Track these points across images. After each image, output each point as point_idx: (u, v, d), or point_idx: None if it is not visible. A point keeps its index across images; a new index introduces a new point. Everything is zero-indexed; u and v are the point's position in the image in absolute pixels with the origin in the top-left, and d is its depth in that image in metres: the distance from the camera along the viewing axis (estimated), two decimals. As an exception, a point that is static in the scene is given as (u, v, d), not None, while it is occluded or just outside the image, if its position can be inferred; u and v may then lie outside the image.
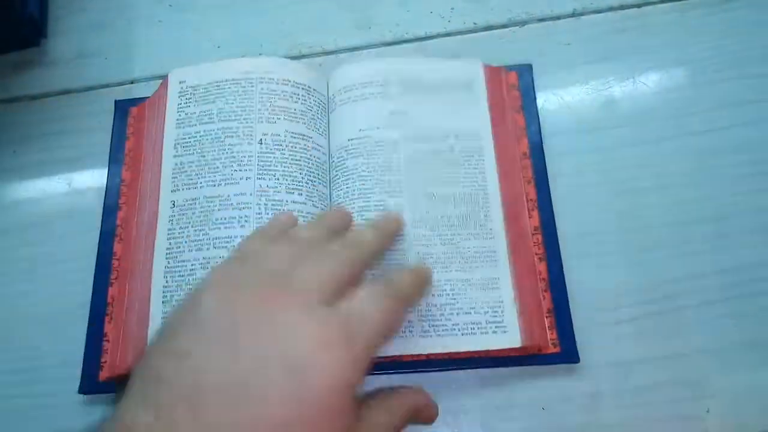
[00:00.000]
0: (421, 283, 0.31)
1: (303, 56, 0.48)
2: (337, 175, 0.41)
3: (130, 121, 0.45)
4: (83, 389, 0.38)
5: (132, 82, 0.48)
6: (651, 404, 0.36)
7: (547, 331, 0.37)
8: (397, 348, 0.36)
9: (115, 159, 0.44)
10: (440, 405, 0.36)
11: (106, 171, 0.44)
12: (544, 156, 0.42)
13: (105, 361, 0.38)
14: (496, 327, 0.36)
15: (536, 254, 0.39)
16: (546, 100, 0.44)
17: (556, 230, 0.40)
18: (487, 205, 0.39)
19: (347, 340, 0.24)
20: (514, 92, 0.43)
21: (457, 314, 0.36)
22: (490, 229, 0.38)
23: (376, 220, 0.34)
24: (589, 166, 0.42)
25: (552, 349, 0.37)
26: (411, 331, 0.36)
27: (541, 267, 0.39)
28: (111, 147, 0.44)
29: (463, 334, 0.36)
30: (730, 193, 0.40)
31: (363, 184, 0.39)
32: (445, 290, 0.37)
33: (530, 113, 0.43)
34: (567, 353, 0.37)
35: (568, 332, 0.37)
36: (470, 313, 0.36)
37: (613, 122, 0.43)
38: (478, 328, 0.36)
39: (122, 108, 0.45)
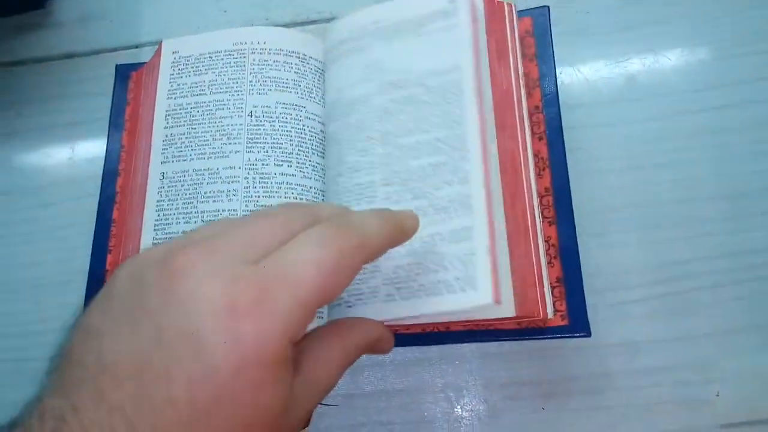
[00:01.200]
0: (393, 227, 0.25)
1: (311, 22, 0.46)
2: (327, 143, 0.39)
3: (130, 86, 0.44)
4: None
5: (137, 47, 0.47)
6: (660, 386, 0.35)
7: (548, 301, 0.33)
8: (357, 313, 0.33)
9: (115, 124, 0.43)
10: (443, 380, 0.36)
11: (107, 136, 0.43)
12: (559, 110, 0.38)
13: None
14: (464, 284, 0.31)
15: (546, 217, 0.36)
16: (562, 71, 0.42)
17: (570, 192, 0.36)
18: (465, 146, 0.34)
19: (261, 304, 0.20)
20: (529, 39, 0.40)
21: (424, 273, 0.32)
22: (466, 172, 0.33)
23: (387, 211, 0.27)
24: (604, 139, 0.40)
25: (560, 322, 0.34)
26: (375, 297, 0.33)
27: (551, 231, 0.36)
28: (111, 112, 0.43)
29: (427, 295, 0.32)
30: (747, 172, 0.38)
31: (339, 148, 0.37)
32: (414, 248, 0.33)
33: (545, 63, 0.39)
34: (577, 325, 0.34)
35: (579, 304, 0.34)
36: (438, 270, 0.32)
37: (630, 95, 0.41)
38: (445, 287, 0.32)
39: (123, 72, 0.44)
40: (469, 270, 0.32)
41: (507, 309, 0.32)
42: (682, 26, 0.42)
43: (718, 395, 0.34)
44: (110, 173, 0.42)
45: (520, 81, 0.37)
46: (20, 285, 0.41)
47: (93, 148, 0.44)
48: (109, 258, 0.39)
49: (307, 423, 0.34)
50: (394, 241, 0.26)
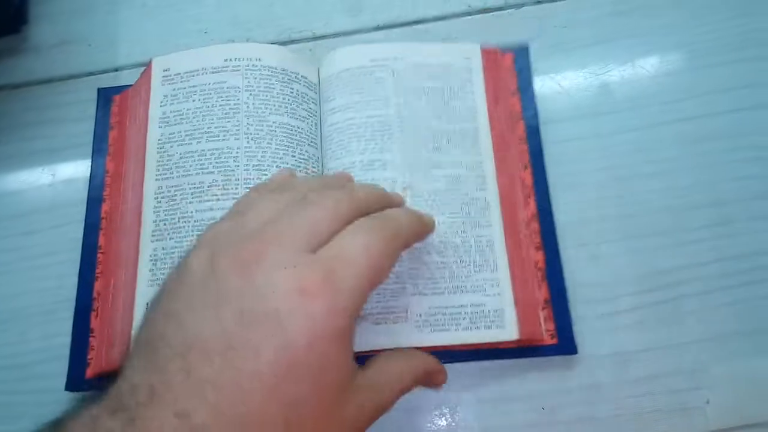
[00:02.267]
0: (418, 223, 0.30)
1: (292, 41, 0.46)
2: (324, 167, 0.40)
3: (113, 110, 0.43)
4: (70, 387, 0.37)
5: (116, 70, 0.47)
6: (651, 395, 0.35)
7: (543, 322, 0.36)
8: (392, 340, 0.35)
9: (98, 149, 0.42)
10: (436, 396, 0.36)
11: (89, 162, 0.43)
12: (540, 141, 0.40)
13: (92, 358, 0.37)
14: (490, 322, 0.35)
15: (533, 243, 0.38)
16: (542, 85, 0.43)
17: (553, 218, 0.39)
18: (485, 190, 0.38)
19: (327, 285, 0.24)
20: (510, 75, 0.42)
21: (452, 317, 0.35)
22: (488, 219, 0.37)
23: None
24: (586, 152, 0.41)
25: (549, 341, 0.36)
26: (405, 321, 0.35)
27: (538, 256, 0.38)
28: (94, 137, 0.43)
29: (456, 330, 0.35)
30: (730, 179, 0.39)
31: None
32: (437, 287, 0.36)
33: (527, 97, 0.41)
34: (565, 345, 0.36)
35: (566, 323, 0.36)
36: (465, 318, 0.35)
37: (610, 107, 0.42)
38: (473, 324, 0.35)
39: (105, 96, 0.44)
40: (497, 314, 0.35)
41: (513, 333, 0.35)
42: (659, 37, 0.44)
43: (708, 402, 0.35)
44: (95, 200, 0.41)
45: (512, 120, 0.40)
46: (3, 316, 0.40)
47: (74, 174, 0.43)
48: (97, 285, 0.38)
49: None
50: (420, 235, 0.31)
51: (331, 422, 0.24)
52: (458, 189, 0.38)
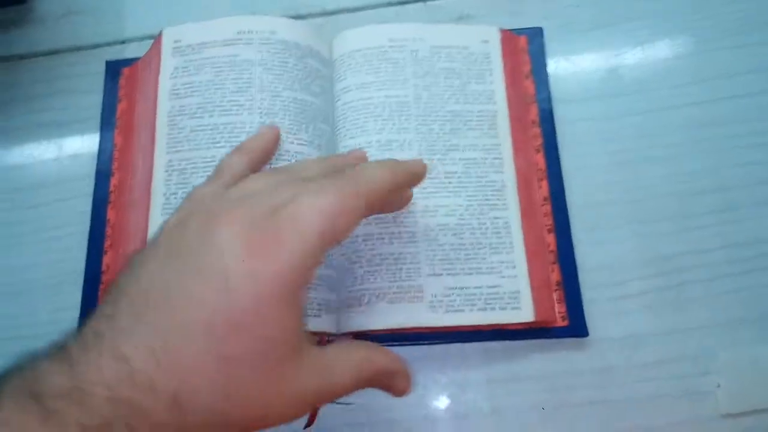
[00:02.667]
0: (392, 175, 0.28)
1: (300, 17, 0.46)
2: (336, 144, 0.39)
3: (121, 83, 0.43)
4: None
5: (123, 42, 0.46)
6: (660, 379, 0.35)
7: (556, 304, 0.36)
8: (407, 319, 0.35)
9: (107, 123, 0.42)
10: (445, 376, 0.36)
11: (97, 135, 0.42)
12: (554, 125, 0.40)
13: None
14: (506, 304, 0.35)
15: (545, 225, 0.38)
16: (552, 66, 0.42)
17: (566, 201, 0.38)
18: (502, 173, 0.38)
19: (273, 246, 0.24)
20: (524, 57, 0.42)
21: (467, 298, 0.35)
22: (505, 201, 0.37)
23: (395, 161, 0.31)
24: (596, 135, 0.40)
25: (560, 323, 0.36)
26: (420, 301, 0.35)
27: (550, 239, 0.37)
28: (102, 110, 0.42)
29: (471, 310, 0.35)
30: (737, 164, 0.39)
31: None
32: (453, 268, 0.36)
33: (540, 79, 0.41)
34: (576, 327, 0.36)
35: (577, 306, 0.36)
36: (481, 299, 0.35)
37: (619, 90, 0.42)
38: (488, 305, 0.35)
39: (113, 69, 0.43)
40: (514, 295, 0.35)
41: (529, 315, 0.35)
42: (669, 20, 0.43)
43: (718, 386, 0.35)
44: (103, 173, 0.41)
45: (525, 102, 0.40)
46: (11, 288, 0.40)
47: (81, 148, 0.43)
48: (105, 259, 0.38)
49: (311, 421, 0.34)
50: (399, 185, 0.29)
51: (269, 387, 0.24)
52: (475, 171, 0.38)
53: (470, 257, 0.36)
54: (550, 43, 0.43)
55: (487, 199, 0.37)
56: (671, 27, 0.43)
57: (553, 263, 0.37)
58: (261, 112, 0.38)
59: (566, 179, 0.39)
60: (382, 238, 0.36)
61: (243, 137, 0.37)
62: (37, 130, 0.44)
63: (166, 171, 0.38)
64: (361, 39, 0.41)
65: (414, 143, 0.38)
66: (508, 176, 0.38)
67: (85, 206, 0.40)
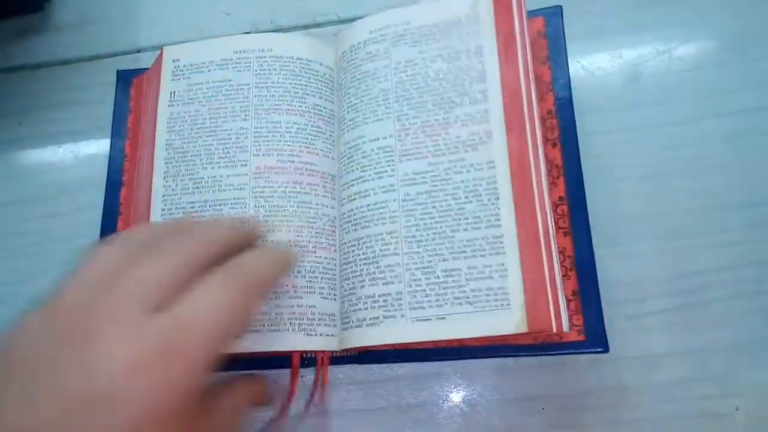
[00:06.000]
0: (278, 265, 0.28)
1: (317, 25, 0.45)
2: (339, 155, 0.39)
3: (132, 93, 0.43)
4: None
5: (138, 51, 0.46)
6: (678, 400, 0.34)
7: (563, 315, 0.31)
8: (388, 336, 0.33)
9: (117, 133, 0.42)
10: (458, 395, 0.36)
11: (109, 145, 0.42)
12: (573, 115, 0.37)
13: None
14: (493, 303, 0.32)
15: (560, 228, 0.35)
16: (574, 75, 0.41)
17: (585, 202, 0.36)
18: (493, 168, 0.34)
19: (169, 355, 0.21)
20: (540, 41, 0.38)
21: (457, 296, 0.33)
22: (497, 197, 0.34)
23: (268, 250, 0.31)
24: (618, 145, 0.39)
25: (576, 337, 0.34)
26: (402, 317, 0.33)
27: (566, 242, 0.35)
28: (113, 120, 0.42)
29: (459, 320, 0.32)
30: (766, 179, 0.38)
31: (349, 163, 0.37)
32: (435, 274, 0.34)
33: (559, 65, 0.38)
34: (594, 341, 0.33)
35: (596, 318, 0.33)
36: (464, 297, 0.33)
37: (644, 99, 0.40)
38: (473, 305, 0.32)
39: (125, 78, 0.43)
40: (502, 293, 0.32)
41: (519, 324, 0.31)
42: (696, 28, 0.41)
43: (737, 409, 0.34)
44: (114, 184, 0.41)
45: (531, 80, 0.35)
46: (26, 299, 0.40)
47: (96, 157, 0.43)
48: (115, 271, 0.38)
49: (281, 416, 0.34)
50: (281, 277, 0.29)
51: None
52: (463, 168, 0.35)
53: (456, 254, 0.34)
54: (573, 51, 0.39)
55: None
56: (700, 35, 0.41)
57: (570, 269, 0.35)
58: (257, 138, 0.38)
59: (588, 189, 0.36)
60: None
61: (238, 155, 0.37)
62: (53, 139, 0.45)
63: (163, 194, 0.37)
64: (352, 36, 0.40)
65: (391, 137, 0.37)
66: (501, 171, 0.34)
67: (97, 216, 0.40)
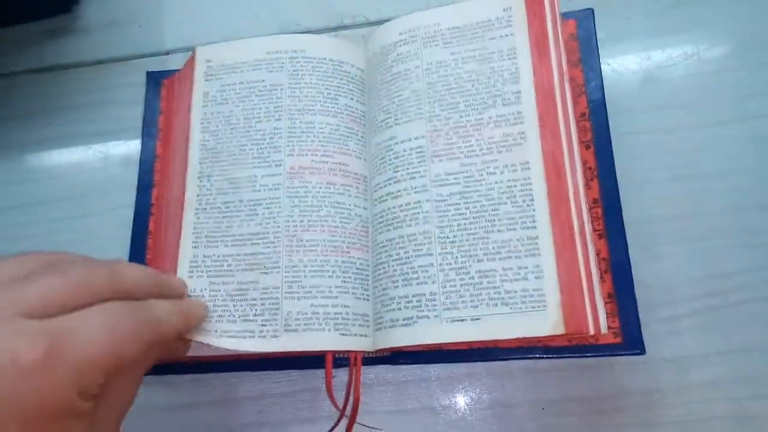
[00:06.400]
0: (180, 321, 0.28)
1: (344, 27, 0.45)
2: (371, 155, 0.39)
3: (162, 94, 0.43)
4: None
5: (167, 53, 0.47)
6: (712, 401, 0.34)
7: (598, 318, 0.31)
8: (421, 336, 0.33)
9: (148, 133, 0.42)
10: (490, 397, 0.36)
11: (140, 145, 0.42)
12: (606, 117, 0.37)
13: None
14: (532, 308, 0.32)
15: (595, 230, 0.35)
16: (605, 78, 0.41)
17: (620, 204, 0.35)
18: (528, 169, 0.34)
19: (49, 359, 0.21)
20: (572, 43, 0.38)
21: (493, 298, 0.33)
22: (532, 200, 0.34)
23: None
24: (649, 147, 0.39)
25: (612, 339, 0.34)
26: (437, 317, 0.33)
27: (601, 245, 0.35)
28: (144, 121, 0.43)
29: (496, 323, 0.32)
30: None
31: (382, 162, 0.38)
32: (469, 275, 0.33)
33: (591, 67, 0.38)
34: (631, 343, 0.33)
35: (632, 320, 0.33)
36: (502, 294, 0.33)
37: (674, 102, 0.40)
38: (516, 312, 0.32)
39: (155, 80, 0.44)
40: (538, 294, 0.32)
41: (555, 326, 0.31)
42: (726, 30, 0.41)
43: (773, 411, 0.34)
44: (145, 185, 0.41)
45: (565, 80, 0.35)
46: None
47: (126, 158, 0.43)
48: (147, 271, 0.38)
49: None
50: (183, 329, 0.29)
51: None
52: (496, 169, 0.35)
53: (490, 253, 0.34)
54: (603, 54, 0.39)
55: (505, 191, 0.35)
56: (730, 37, 0.41)
57: (605, 272, 0.35)
58: (291, 138, 0.38)
59: (620, 191, 0.36)
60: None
61: (272, 155, 0.37)
62: (84, 140, 0.45)
63: (197, 193, 0.38)
64: (381, 37, 0.40)
65: (440, 135, 0.37)
66: (536, 172, 0.34)
67: (130, 215, 0.40)
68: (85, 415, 0.22)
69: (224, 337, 0.34)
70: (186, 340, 0.33)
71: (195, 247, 0.36)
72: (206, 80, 0.40)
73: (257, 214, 0.36)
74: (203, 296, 0.35)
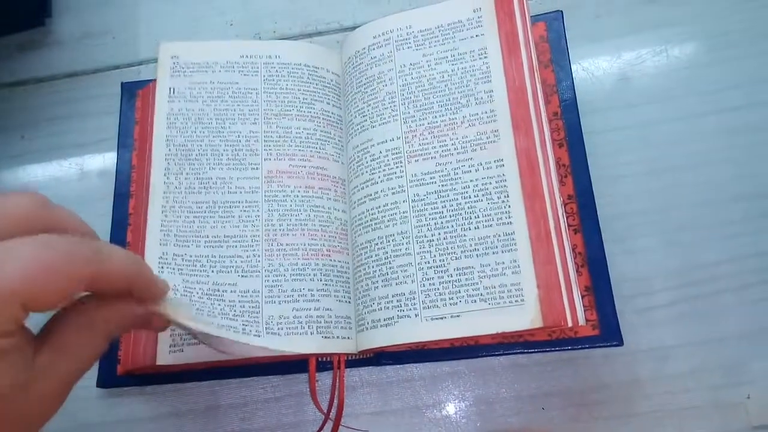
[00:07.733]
0: (133, 267, 0.23)
1: (319, 33, 0.46)
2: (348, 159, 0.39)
3: (137, 105, 0.43)
4: (101, 383, 0.37)
5: (140, 63, 0.47)
6: (690, 391, 0.35)
7: (575, 310, 0.32)
8: (403, 336, 0.34)
9: (123, 144, 0.42)
10: (473, 393, 0.36)
11: (116, 156, 0.42)
12: (578, 115, 0.38)
13: (121, 356, 0.37)
14: (507, 299, 0.33)
15: (570, 225, 0.36)
16: (575, 76, 0.42)
17: (594, 199, 0.36)
18: (502, 167, 0.35)
19: None
20: (543, 45, 0.39)
21: (472, 295, 0.33)
22: (507, 196, 0.34)
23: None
24: (622, 143, 0.40)
25: (590, 332, 0.34)
26: (415, 315, 0.34)
27: (577, 239, 0.36)
28: (119, 132, 0.43)
29: (475, 317, 0.33)
30: (766, 172, 0.38)
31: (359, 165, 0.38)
32: (448, 273, 0.34)
33: (562, 68, 0.39)
34: (609, 335, 0.34)
35: (609, 312, 0.34)
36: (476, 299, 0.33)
37: (645, 98, 0.41)
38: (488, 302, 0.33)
39: (129, 91, 0.43)
40: (516, 289, 0.33)
41: (534, 320, 0.32)
42: (694, 26, 0.42)
43: (749, 397, 0.34)
44: (122, 195, 0.41)
45: (536, 78, 0.36)
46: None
47: (102, 169, 0.43)
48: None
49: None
50: (134, 277, 0.24)
51: None
52: (471, 167, 0.35)
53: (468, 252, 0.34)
54: (573, 53, 0.40)
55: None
56: (698, 33, 0.42)
57: (582, 266, 0.35)
58: (268, 142, 0.38)
59: (594, 187, 0.37)
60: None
61: (248, 157, 0.37)
62: (58, 153, 0.45)
63: (164, 192, 0.37)
64: (354, 42, 0.41)
65: (416, 135, 0.37)
66: (510, 169, 0.35)
67: (106, 227, 0.40)
68: (4, 352, 0.20)
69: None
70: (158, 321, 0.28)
71: (163, 245, 0.35)
72: (172, 76, 0.39)
73: (233, 216, 0.36)
74: (177, 291, 0.34)
